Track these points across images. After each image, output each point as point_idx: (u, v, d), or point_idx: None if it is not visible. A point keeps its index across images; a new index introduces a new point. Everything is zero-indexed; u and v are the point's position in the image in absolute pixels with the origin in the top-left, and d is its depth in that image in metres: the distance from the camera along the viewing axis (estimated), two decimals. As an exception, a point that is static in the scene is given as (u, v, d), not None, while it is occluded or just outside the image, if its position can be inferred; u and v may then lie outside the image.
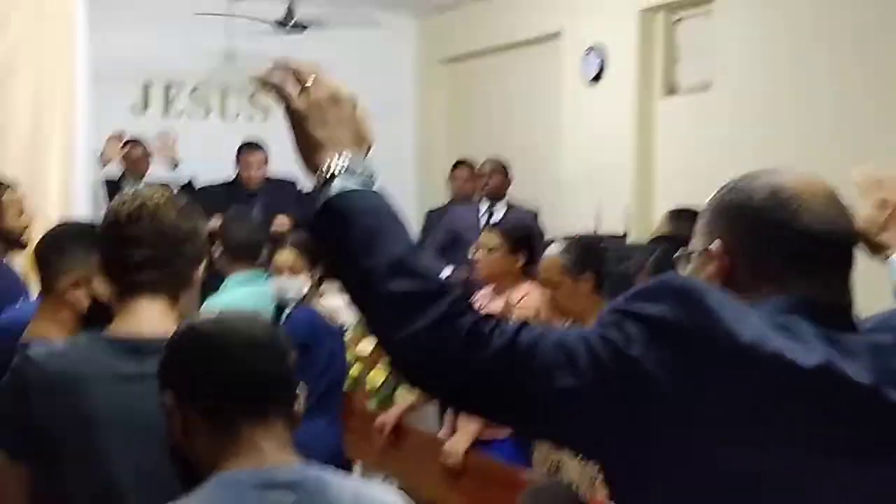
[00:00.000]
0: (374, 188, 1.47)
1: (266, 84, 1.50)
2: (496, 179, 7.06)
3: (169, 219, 2.17)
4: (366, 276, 1.39)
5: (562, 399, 1.34)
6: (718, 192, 1.53)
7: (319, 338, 4.28)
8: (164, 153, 7.01)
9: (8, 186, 4.61)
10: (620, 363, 1.33)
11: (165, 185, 2.46)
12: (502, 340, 1.35)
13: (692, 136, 6.39)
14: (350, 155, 1.47)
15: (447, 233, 6.91)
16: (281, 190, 7.18)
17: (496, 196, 7.03)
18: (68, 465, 2.05)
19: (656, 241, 3.97)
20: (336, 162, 1.46)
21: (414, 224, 6.64)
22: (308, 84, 1.49)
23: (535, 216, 7.17)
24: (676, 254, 1.57)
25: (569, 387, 1.33)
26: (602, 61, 6.92)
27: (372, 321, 1.43)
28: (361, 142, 1.51)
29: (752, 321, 1.34)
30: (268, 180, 7.10)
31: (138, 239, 2.15)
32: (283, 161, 7.43)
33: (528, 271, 4.67)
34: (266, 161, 7.07)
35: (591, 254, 3.96)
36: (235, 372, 1.69)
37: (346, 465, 4.69)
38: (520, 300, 4.42)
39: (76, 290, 2.61)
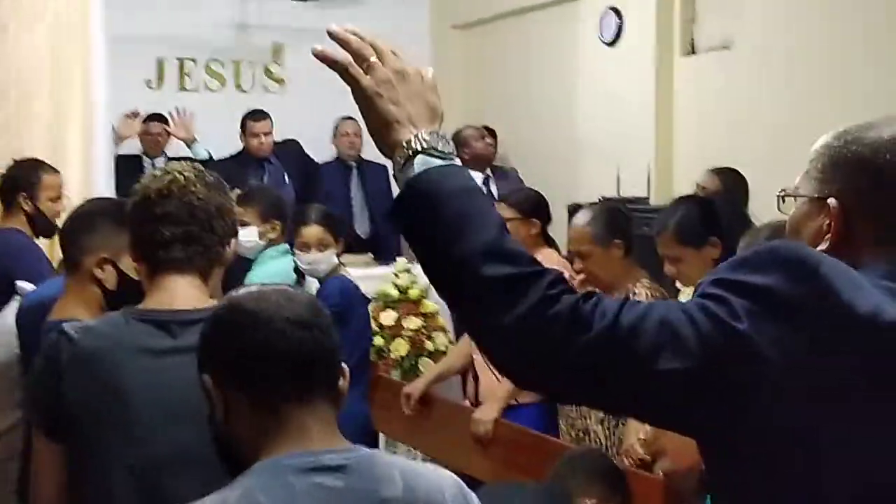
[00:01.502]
0: (455, 163, 1.39)
1: (330, 62, 1.41)
2: (481, 145, 7.06)
3: (199, 195, 2.16)
4: (459, 262, 1.31)
5: (668, 381, 1.26)
6: (832, 139, 1.43)
7: (354, 305, 4.29)
8: (182, 129, 6.98)
9: (50, 168, 4.60)
10: (728, 340, 1.25)
11: (193, 162, 2.42)
12: (605, 321, 1.27)
13: (713, 96, 6.31)
14: (427, 131, 1.40)
15: None
16: (288, 154, 7.16)
17: (484, 163, 7.02)
18: (105, 442, 2.04)
19: (679, 201, 3.93)
20: (414, 140, 1.38)
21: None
22: (372, 60, 1.42)
23: (517, 176, 7.21)
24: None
25: (675, 368, 1.25)
26: (620, 22, 6.85)
27: (467, 309, 1.34)
28: (434, 116, 1.44)
29: (867, 290, 1.27)
30: (274, 146, 7.07)
31: (168, 216, 2.14)
32: (301, 130, 7.47)
33: (544, 237, 4.67)
34: (272, 128, 7.02)
35: (618, 219, 3.91)
36: (278, 350, 1.61)
37: (374, 438, 4.67)
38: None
39: (103, 269, 2.59)
